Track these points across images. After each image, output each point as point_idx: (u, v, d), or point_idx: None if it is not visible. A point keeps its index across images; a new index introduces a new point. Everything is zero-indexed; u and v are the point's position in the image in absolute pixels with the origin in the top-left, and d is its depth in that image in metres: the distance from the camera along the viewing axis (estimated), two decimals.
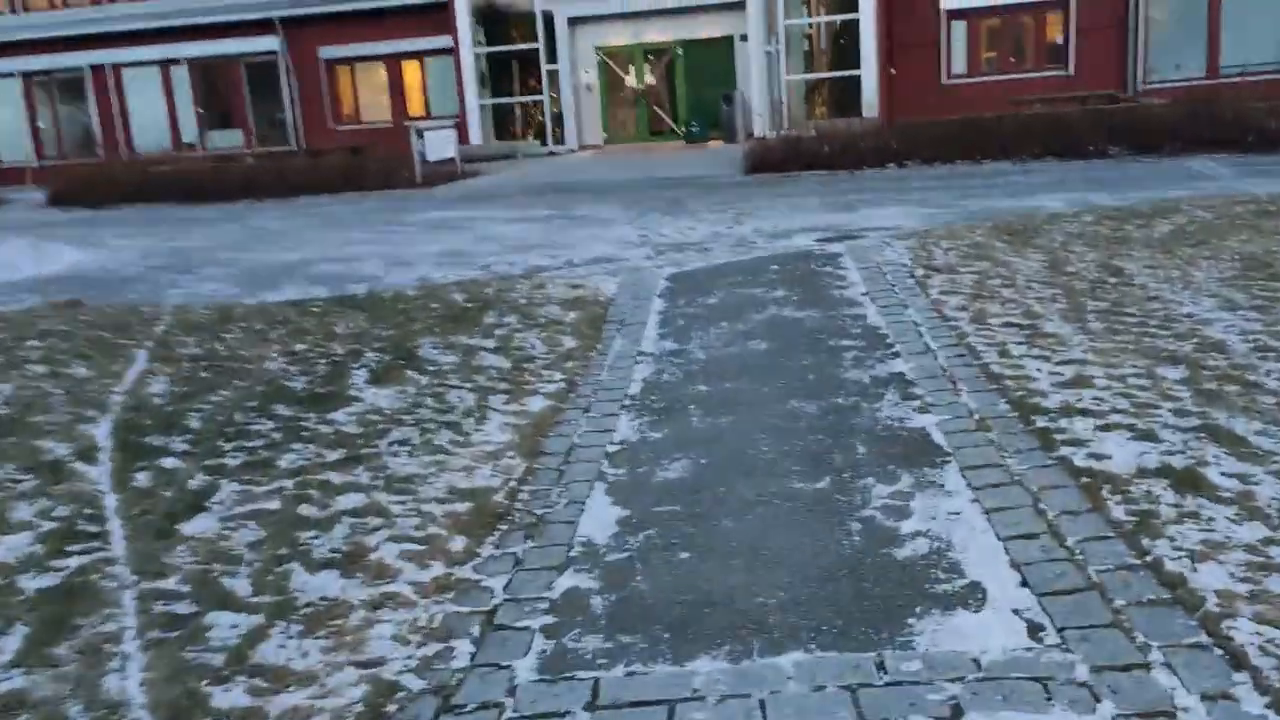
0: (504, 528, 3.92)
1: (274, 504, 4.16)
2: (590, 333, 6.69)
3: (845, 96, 22.77)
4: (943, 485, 3.98)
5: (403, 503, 4.13)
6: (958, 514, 3.73)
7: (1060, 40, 22.32)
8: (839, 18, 22.85)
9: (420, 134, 19.31)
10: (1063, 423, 4.36)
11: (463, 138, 24.46)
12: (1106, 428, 4.27)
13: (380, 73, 26.67)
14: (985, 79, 22.58)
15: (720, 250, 9.74)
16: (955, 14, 22.60)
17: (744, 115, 22.64)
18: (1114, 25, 21.36)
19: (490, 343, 6.47)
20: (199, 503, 4.19)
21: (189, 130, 27.96)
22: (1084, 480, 3.82)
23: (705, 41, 23.96)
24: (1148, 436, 4.15)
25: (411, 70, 26.55)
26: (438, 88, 26.15)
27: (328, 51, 26.35)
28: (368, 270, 10.18)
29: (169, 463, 4.62)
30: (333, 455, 4.67)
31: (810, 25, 23.68)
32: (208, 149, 27.64)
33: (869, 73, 22.08)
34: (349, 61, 26.63)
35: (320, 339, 6.77)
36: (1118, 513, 3.55)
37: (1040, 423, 4.40)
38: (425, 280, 9.26)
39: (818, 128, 19.75)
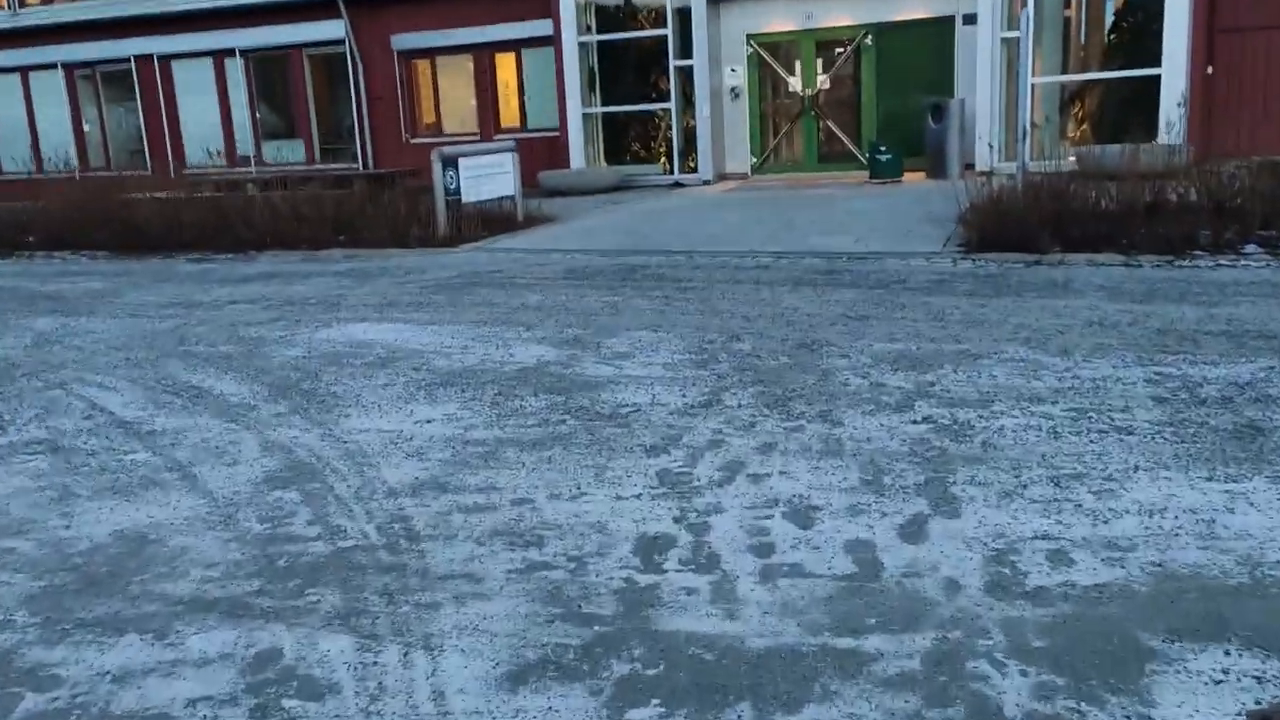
0: None
1: None
2: None
3: (1126, 110, 14.61)
4: None
5: None
6: None
7: None
8: None
9: (450, 164, 12.60)
10: None
11: (559, 160, 17.80)
12: None
13: (466, 68, 20.31)
14: None
15: None
16: None
17: (963, 137, 14.87)
18: None
19: None
20: None
21: (245, 141, 22.52)
22: None
23: (908, 25, 16.26)
24: None
25: (506, 67, 20.06)
26: (538, 90, 19.56)
27: (402, 41, 20.23)
28: None
29: None
30: None
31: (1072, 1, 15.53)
32: (265, 163, 22.17)
33: (1174, 72, 13.82)
34: (428, 54, 20.42)
35: None
36: None
37: None
38: None
39: (1085, 159, 11.84)
